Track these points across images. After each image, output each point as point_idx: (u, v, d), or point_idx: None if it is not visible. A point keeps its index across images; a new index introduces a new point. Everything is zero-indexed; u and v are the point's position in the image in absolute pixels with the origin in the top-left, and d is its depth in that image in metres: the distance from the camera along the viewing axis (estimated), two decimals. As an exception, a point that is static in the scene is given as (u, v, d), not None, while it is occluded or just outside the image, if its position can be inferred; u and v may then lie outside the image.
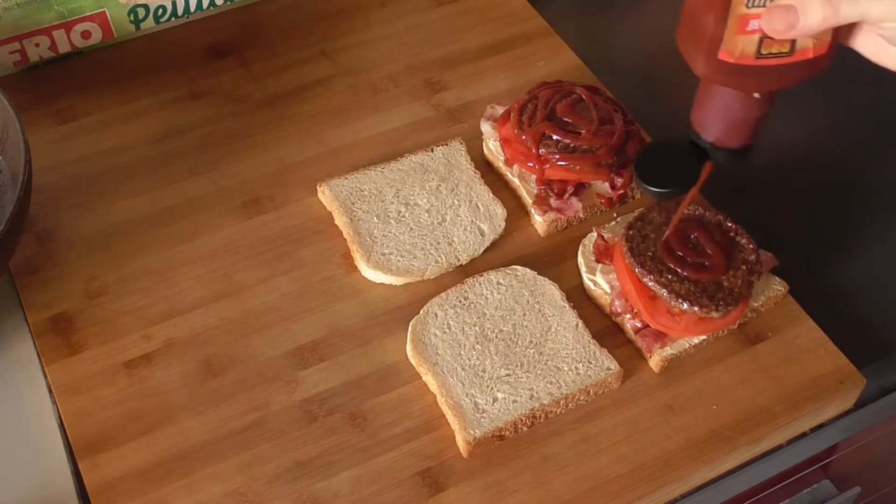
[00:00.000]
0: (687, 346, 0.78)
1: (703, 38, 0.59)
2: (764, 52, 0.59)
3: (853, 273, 0.86)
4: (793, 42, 0.58)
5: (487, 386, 0.75)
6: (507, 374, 0.76)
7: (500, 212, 0.86)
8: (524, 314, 0.80)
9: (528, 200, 0.87)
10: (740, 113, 0.64)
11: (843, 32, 0.59)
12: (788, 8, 0.56)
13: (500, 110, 0.92)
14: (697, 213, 0.81)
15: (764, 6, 0.57)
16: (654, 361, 0.78)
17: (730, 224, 0.81)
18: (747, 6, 0.57)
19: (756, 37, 0.58)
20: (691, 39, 0.61)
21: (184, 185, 0.89)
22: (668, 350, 0.78)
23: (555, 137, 0.85)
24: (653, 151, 0.71)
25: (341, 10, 1.05)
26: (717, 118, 0.65)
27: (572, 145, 0.85)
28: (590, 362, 0.77)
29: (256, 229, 0.87)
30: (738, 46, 0.58)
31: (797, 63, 0.59)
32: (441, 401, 0.75)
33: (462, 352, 0.77)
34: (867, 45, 0.60)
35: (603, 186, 0.87)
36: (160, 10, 0.99)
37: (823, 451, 0.86)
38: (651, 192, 0.69)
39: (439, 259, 0.83)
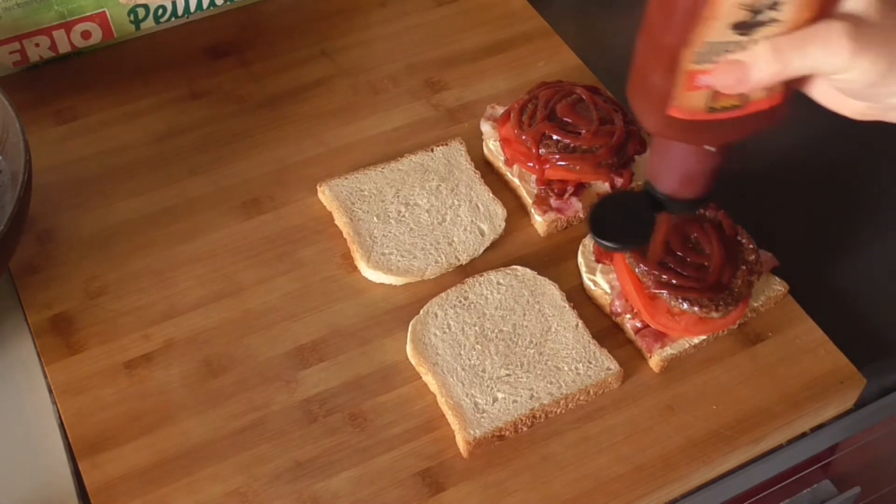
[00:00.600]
0: (687, 346, 0.78)
1: (653, 95, 0.58)
2: (715, 106, 0.57)
3: (853, 273, 0.86)
4: (744, 94, 0.57)
5: (487, 386, 0.75)
6: (507, 374, 0.76)
7: (500, 212, 0.86)
8: (524, 314, 0.80)
9: (528, 200, 0.87)
10: (695, 165, 0.62)
11: (797, 80, 0.57)
12: (738, 63, 0.55)
13: (500, 110, 0.92)
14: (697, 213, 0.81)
15: (712, 62, 0.55)
16: (654, 361, 0.78)
17: (730, 224, 0.81)
18: (695, 62, 0.55)
19: (706, 92, 0.56)
20: (641, 96, 0.59)
21: (184, 185, 0.89)
22: (668, 350, 0.78)
23: (555, 137, 0.85)
24: (607, 204, 0.70)
25: (341, 10, 1.05)
26: (671, 171, 0.63)
27: (572, 145, 0.85)
28: (590, 362, 0.77)
29: (256, 229, 0.87)
30: (688, 102, 0.57)
31: (751, 115, 0.58)
32: (441, 401, 0.75)
33: (462, 352, 0.77)
34: (821, 93, 0.59)
35: (603, 186, 0.87)
36: (160, 10, 0.99)
37: (823, 451, 0.86)
38: (605, 247, 0.68)
39: (439, 259, 0.83)
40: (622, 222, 0.67)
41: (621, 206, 0.69)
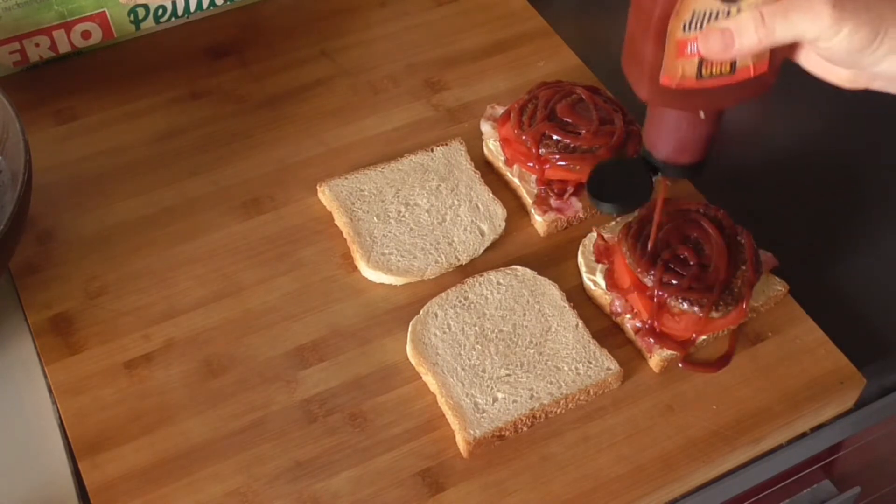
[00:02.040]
0: (687, 346, 0.78)
1: (644, 64, 0.60)
2: (704, 73, 0.59)
3: (853, 273, 0.86)
4: (733, 62, 0.59)
5: (487, 386, 0.75)
6: (507, 374, 0.76)
7: (500, 212, 0.86)
8: (524, 314, 0.80)
9: (528, 200, 0.87)
10: (688, 132, 0.65)
11: (785, 50, 0.60)
12: (724, 31, 0.57)
13: (500, 110, 0.92)
14: (698, 212, 0.81)
15: (700, 30, 0.57)
16: (654, 361, 0.78)
17: (730, 224, 0.81)
18: (684, 30, 0.58)
19: (695, 59, 0.59)
20: (633, 65, 0.62)
21: (184, 185, 0.89)
22: (668, 350, 0.78)
23: (555, 137, 0.85)
24: (605, 169, 0.72)
25: (341, 10, 1.05)
26: (665, 137, 0.66)
27: (572, 145, 0.85)
28: (590, 362, 0.77)
29: (256, 229, 0.87)
30: (678, 70, 0.59)
31: (739, 83, 0.60)
32: (441, 401, 0.75)
33: (462, 352, 0.77)
34: (809, 61, 0.61)
35: (603, 186, 0.87)
36: (160, 10, 0.99)
37: (823, 451, 0.86)
38: (602, 209, 0.71)
39: (439, 259, 0.83)
40: (620, 187, 0.70)
41: (619, 172, 0.71)
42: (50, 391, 0.77)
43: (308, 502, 0.71)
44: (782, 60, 0.60)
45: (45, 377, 0.78)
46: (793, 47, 0.60)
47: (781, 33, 0.56)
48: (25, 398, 0.77)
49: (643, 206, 0.73)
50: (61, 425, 0.75)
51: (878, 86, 0.61)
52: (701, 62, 0.59)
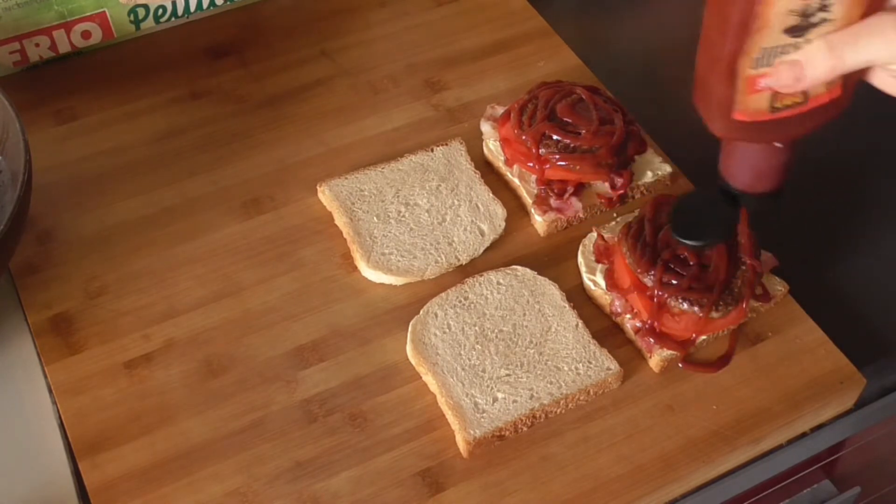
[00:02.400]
0: (687, 346, 0.78)
1: (716, 102, 0.60)
2: (777, 105, 0.59)
3: (853, 273, 0.86)
4: (805, 92, 0.59)
5: (487, 386, 0.75)
6: (507, 374, 0.76)
7: (500, 212, 0.86)
8: (524, 314, 0.80)
9: (528, 200, 0.87)
10: (765, 162, 0.64)
11: (857, 72, 0.59)
12: (794, 63, 0.57)
13: (500, 110, 0.92)
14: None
15: (770, 65, 0.57)
16: (654, 361, 0.78)
17: (730, 224, 0.81)
18: (753, 67, 0.57)
19: (767, 93, 0.58)
20: (705, 104, 0.61)
21: (184, 185, 0.89)
22: (668, 350, 0.78)
23: (555, 137, 0.85)
24: (685, 204, 0.72)
25: (341, 10, 1.05)
26: (743, 168, 0.65)
27: (572, 145, 0.85)
28: (590, 362, 0.77)
29: (256, 229, 0.87)
30: (751, 105, 0.59)
31: (813, 109, 0.60)
32: (441, 401, 0.75)
33: (462, 352, 0.77)
34: (883, 81, 0.60)
35: (603, 186, 0.87)
36: (160, 10, 0.99)
37: (823, 451, 0.86)
38: (692, 247, 0.71)
39: (439, 259, 0.83)
40: (703, 221, 0.70)
41: (699, 207, 0.71)
42: (50, 391, 0.77)
43: (308, 502, 0.71)
44: (856, 82, 0.60)
45: (45, 377, 0.78)
46: (864, 70, 0.60)
47: (852, 60, 0.56)
48: (25, 398, 0.77)
49: (730, 237, 0.72)
50: (61, 425, 0.75)
51: None
52: (773, 96, 0.58)
